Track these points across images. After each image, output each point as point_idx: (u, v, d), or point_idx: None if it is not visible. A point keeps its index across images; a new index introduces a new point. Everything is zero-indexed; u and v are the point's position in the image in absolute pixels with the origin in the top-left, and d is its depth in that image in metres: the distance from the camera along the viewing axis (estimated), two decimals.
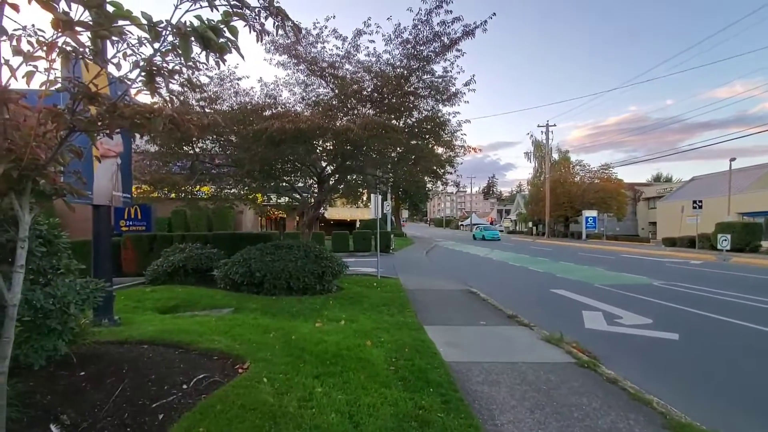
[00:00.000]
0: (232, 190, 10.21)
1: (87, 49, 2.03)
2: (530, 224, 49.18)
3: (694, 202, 23.83)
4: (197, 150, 8.42)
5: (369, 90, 8.24)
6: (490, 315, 6.47)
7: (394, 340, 4.66)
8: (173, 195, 9.07)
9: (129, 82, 2.23)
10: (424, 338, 4.88)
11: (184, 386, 2.90)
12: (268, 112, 7.80)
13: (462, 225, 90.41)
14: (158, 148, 7.87)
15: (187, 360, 3.40)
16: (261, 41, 2.52)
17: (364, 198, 15.15)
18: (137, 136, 2.76)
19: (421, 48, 7.84)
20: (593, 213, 37.82)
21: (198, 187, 9.54)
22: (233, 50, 2.41)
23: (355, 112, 8.16)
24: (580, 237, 38.03)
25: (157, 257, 8.46)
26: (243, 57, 2.68)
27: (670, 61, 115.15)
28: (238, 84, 8.42)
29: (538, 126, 44.67)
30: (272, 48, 8.22)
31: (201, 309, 6.01)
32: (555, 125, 62.99)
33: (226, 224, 16.79)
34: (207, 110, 7.75)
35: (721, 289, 9.45)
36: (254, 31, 2.74)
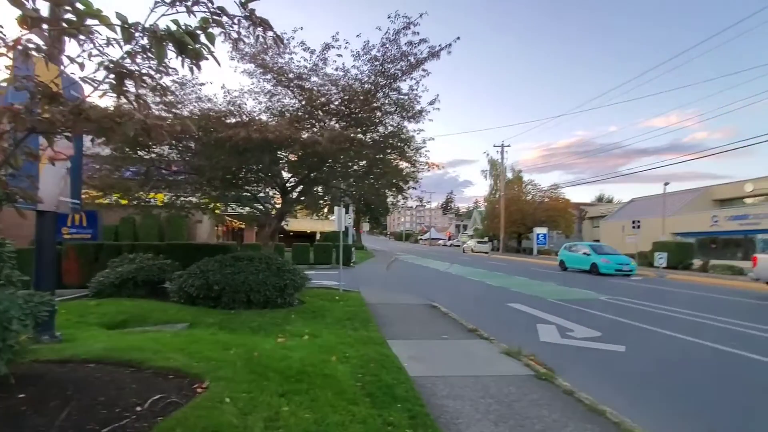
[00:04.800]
0: (189, 198, 9.77)
1: (52, 49, 1.91)
2: (486, 239, 50.80)
3: (633, 222, 25.74)
4: (153, 155, 8.02)
5: (337, 103, 8.28)
6: (452, 329, 6.58)
7: (359, 355, 4.62)
8: (124, 201, 8.52)
9: (95, 84, 2.12)
10: (389, 353, 4.87)
11: (138, 408, 2.70)
12: (232, 120, 7.60)
13: (421, 239, 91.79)
14: (111, 152, 7.41)
15: (140, 380, 3.17)
16: (236, 50, 2.48)
17: (325, 210, 15.03)
18: (87, 137, 2.61)
19: (389, 66, 8.02)
20: (543, 230, 39.81)
21: (152, 194, 9.04)
22: (209, 57, 2.36)
23: (323, 124, 8.15)
24: (532, 252, 39.77)
25: (103, 268, 7.86)
26: (219, 63, 2.63)
27: (614, 90, 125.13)
28: (200, 89, 8.17)
29: (494, 146, 46.75)
30: (237, 56, 8.07)
31: (153, 324, 5.65)
32: (509, 145, 66.06)
33: (180, 234, 15.98)
34: (165, 115, 7.44)
35: (660, 304, 10.22)
36: (230, 39, 2.70)
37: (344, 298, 8.82)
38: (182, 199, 9.74)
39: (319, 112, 8.17)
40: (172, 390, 3.06)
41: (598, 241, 30.88)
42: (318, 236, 33.31)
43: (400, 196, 12.66)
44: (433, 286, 13.80)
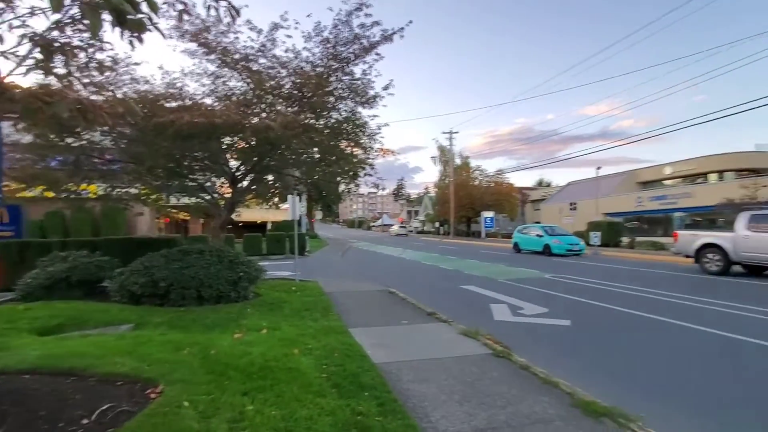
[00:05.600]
0: (127, 189, 8.99)
1: None
2: (437, 224, 52.14)
3: (570, 204, 27.65)
4: (83, 143, 7.24)
5: (288, 87, 7.95)
6: (411, 313, 6.69)
7: (321, 345, 4.55)
8: (50, 194, 7.66)
9: (17, 59, 1.83)
10: (352, 341, 4.86)
11: (85, 421, 2.47)
12: (173, 104, 7.05)
13: (374, 226, 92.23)
14: (33, 139, 6.57)
15: (84, 389, 2.91)
16: (180, 23, 2.27)
17: (276, 199, 14.57)
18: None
19: (342, 48, 7.81)
20: (490, 214, 41.55)
21: (84, 185, 8.20)
22: (152, 28, 2.14)
23: (274, 109, 7.80)
24: (480, 236, 41.45)
25: (31, 268, 7.06)
26: (164, 35, 2.39)
27: (552, 80, 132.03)
28: (134, 69, 7.46)
29: (443, 132, 47.80)
30: (177, 34, 7.45)
31: (93, 327, 5.18)
32: (458, 132, 67.76)
33: (116, 228, 14.75)
34: (95, 98, 6.72)
35: (597, 279, 11.09)
36: (175, 9, 2.46)
37: (301, 289, 8.65)
38: (119, 190, 8.94)
39: (270, 96, 7.80)
40: (122, 398, 2.83)
41: (539, 222, 32.79)
42: (269, 226, 32.33)
43: (353, 184, 12.56)
44: (389, 272, 13.95)
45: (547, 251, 19.60)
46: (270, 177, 10.39)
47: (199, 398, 2.92)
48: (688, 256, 12.81)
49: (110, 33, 1.98)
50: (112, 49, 6.27)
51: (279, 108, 7.81)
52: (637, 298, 8.36)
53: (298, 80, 7.74)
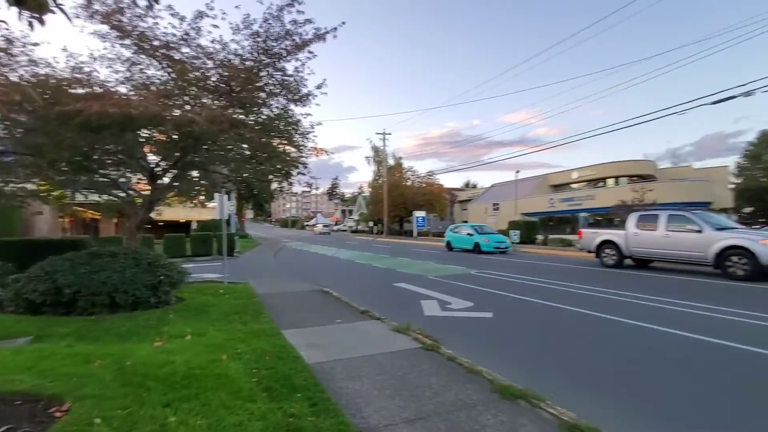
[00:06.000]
0: (23, 185, 7.86)
1: None
2: (371, 224, 52.68)
3: (493, 204, 29.62)
4: None
5: (215, 80, 7.56)
6: (345, 312, 6.74)
7: (252, 349, 4.43)
8: None
9: None
10: (284, 343, 4.79)
11: None
12: (80, 90, 6.34)
13: (308, 225, 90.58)
14: None
15: None
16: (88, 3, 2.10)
17: (202, 197, 13.74)
18: None
19: (273, 44, 7.61)
20: (422, 213, 43.06)
21: None
22: (56, 9, 1.96)
23: (199, 102, 7.36)
24: (412, 234, 42.72)
25: None
26: (69, 18, 2.20)
27: (478, 88, 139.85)
28: (33, 50, 6.58)
29: (377, 133, 48.49)
30: (85, 15, 6.70)
31: None
32: (391, 134, 69.27)
33: (10, 229, 12.80)
34: None
35: (517, 274, 12.05)
36: None
37: (230, 291, 8.28)
38: (14, 185, 7.79)
39: (194, 88, 7.35)
40: (22, 418, 2.54)
41: (466, 221, 34.68)
42: (194, 226, 30.23)
43: (286, 182, 12.26)
44: (323, 272, 13.86)
45: (477, 249, 20.73)
46: (195, 173, 9.76)
47: (113, 413, 2.70)
48: (590, 252, 14.45)
49: (5, 11, 1.79)
50: (7, 29, 5.49)
51: (205, 101, 7.39)
52: (549, 290, 9.25)
53: (226, 73, 7.40)
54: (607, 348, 5.23)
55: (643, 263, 13.36)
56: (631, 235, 12.87)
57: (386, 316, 6.32)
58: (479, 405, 3.25)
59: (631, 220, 13.10)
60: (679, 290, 9.03)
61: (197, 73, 7.18)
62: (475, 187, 73.72)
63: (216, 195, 9.73)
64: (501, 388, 3.53)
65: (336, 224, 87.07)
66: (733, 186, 40.82)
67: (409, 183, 48.05)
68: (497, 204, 29.70)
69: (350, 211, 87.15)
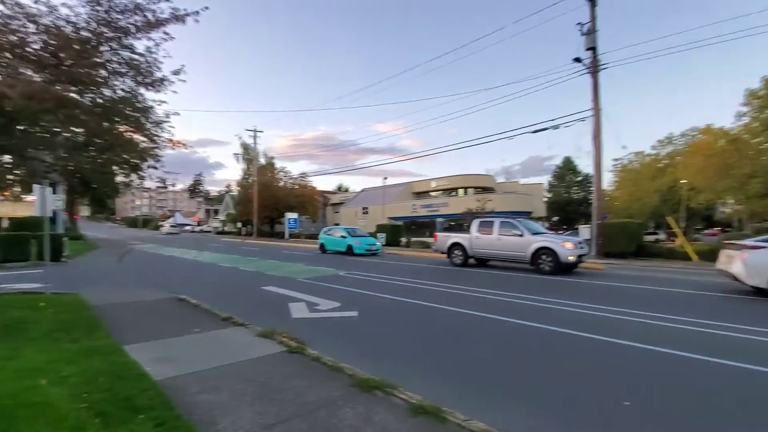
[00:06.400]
0: None
1: None
2: (239, 225, 49.47)
3: (363, 208, 30.97)
4: None
5: (37, 47, 6.22)
6: (205, 321, 6.26)
7: (82, 371, 3.80)
8: None
9: None
10: (126, 360, 4.23)
11: None
12: None
13: (164, 225, 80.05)
14: None
15: None
16: None
17: (16, 189, 11.06)
18: None
19: (118, 16, 6.66)
20: (294, 215, 42.32)
21: None
22: None
23: (15, 72, 5.95)
24: (284, 236, 41.60)
25: None
26: None
27: (351, 95, 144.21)
28: None
29: (247, 130, 45.76)
30: None
31: None
32: (263, 131, 66.38)
33: None
34: None
35: (382, 274, 12.84)
36: None
37: (55, 304, 6.83)
38: None
39: (7, 54, 5.92)
40: None
41: (338, 224, 35.40)
42: (6, 224, 23.77)
43: (134, 176, 10.73)
44: (181, 278, 12.53)
45: (350, 251, 21.26)
46: (7, 158, 7.79)
47: None
48: (443, 252, 16.36)
49: None
50: None
51: (24, 72, 6.01)
52: (408, 288, 10.14)
53: (53, 41, 6.16)
54: (448, 335, 6.02)
55: (482, 262, 15.69)
56: (473, 238, 15.04)
57: (252, 321, 6.09)
58: (339, 400, 3.44)
59: (474, 225, 15.34)
60: (505, 284, 10.89)
61: (13, 37, 5.79)
62: (347, 190, 75.65)
63: (35, 187, 7.89)
64: (360, 381, 3.79)
65: (198, 224, 79.20)
66: (546, 199, 52.16)
67: (281, 184, 46.69)
68: (366, 208, 31.15)
69: (216, 211, 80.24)
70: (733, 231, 33.42)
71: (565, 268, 12.81)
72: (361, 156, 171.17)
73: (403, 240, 30.40)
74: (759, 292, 8.66)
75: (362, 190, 50.29)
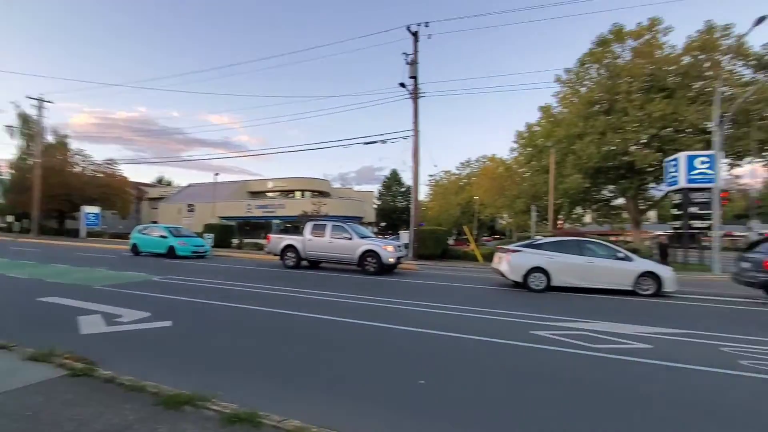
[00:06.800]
0: None
1: None
2: (11, 219, 37.95)
3: (189, 205, 27.96)
4: None
5: None
6: None
7: None
8: None
9: None
10: None
11: None
12: None
13: None
14: None
15: None
16: None
17: None
18: None
19: None
20: (95, 209, 35.03)
21: None
22: None
23: None
24: (78, 235, 33.92)
25: None
26: None
27: (180, 77, 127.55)
28: None
29: (29, 97, 35.44)
30: None
31: None
32: (52, 102, 52.54)
33: None
34: None
35: (207, 278, 11.87)
36: None
37: None
38: None
39: None
40: None
41: (156, 222, 30.90)
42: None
43: None
44: None
45: (172, 253, 18.79)
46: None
47: None
48: (276, 254, 16.21)
49: None
50: None
51: None
52: (234, 291, 9.71)
53: None
54: (272, 336, 6.08)
55: (315, 264, 16.18)
56: (307, 240, 15.40)
57: (21, 342, 4.88)
58: (136, 424, 3.12)
59: (307, 228, 15.72)
60: (333, 284, 11.54)
61: None
62: (169, 184, 66.58)
63: None
64: (167, 399, 3.51)
65: None
66: (375, 206, 58.76)
67: (77, 169, 37.86)
68: (192, 205, 28.06)
69: None
70: (506, 238, 44.85)
71: (387, 269, 14.34)
72: (189, 147, 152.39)
73: (235, 241, 28.61)
74: (517, 285, 11.50)
75: (188, 186, 45.18)
